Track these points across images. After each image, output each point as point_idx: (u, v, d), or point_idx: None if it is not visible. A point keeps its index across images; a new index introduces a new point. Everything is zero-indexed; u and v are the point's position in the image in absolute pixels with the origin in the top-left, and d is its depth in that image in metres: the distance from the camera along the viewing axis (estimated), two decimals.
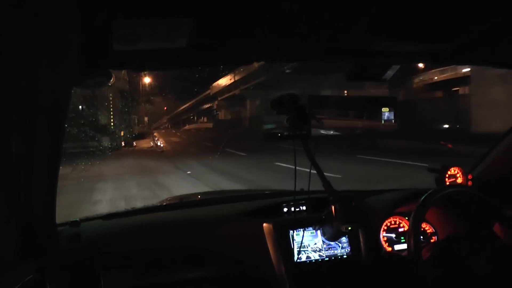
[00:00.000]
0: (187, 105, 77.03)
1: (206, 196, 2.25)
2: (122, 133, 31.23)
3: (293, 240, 1.77)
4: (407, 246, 1.52)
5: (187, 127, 75.24)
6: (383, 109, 1.59)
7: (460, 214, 1.79)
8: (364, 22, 1.13)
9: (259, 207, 1.97)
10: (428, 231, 1.92)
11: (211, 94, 55.34)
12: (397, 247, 1.86)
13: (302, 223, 1.81)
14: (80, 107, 22.51)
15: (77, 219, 1.73)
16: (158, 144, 29.06)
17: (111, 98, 29.90)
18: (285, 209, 1.90)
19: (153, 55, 1.23)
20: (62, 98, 1.15)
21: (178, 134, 52.80)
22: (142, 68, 1.53)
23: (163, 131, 69.51)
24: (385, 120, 1.59)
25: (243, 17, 1.05)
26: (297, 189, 1.98)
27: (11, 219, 1.15)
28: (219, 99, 52.66)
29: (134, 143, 29.73)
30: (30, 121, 1.09)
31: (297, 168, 1.51)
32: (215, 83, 51.56)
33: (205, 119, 76.67)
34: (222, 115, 58.03)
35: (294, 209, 1.91)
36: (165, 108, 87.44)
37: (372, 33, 1.21)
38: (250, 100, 42.37)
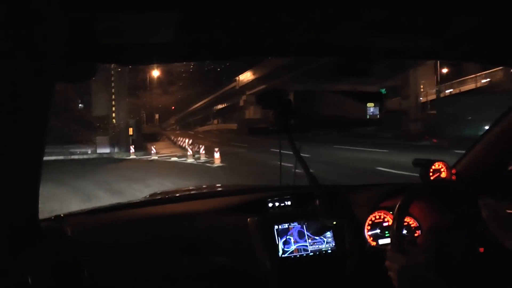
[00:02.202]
0: (202, 102, 69.37)
1: (191, 191, 2.23)
2: (131, 131, 19.67)
3: (278, 235, 1.77)
4: (390, 240, 1.53)
5: (204, 128, 66.88)
6: (368, 104, 1.59)
7: (444, 208, 1.81)
8: (350, 17, 1.12)
9: (244, 202, 1.96)
10: (412, 225, 1.94)
11: (237, 87, 46.91)
12: (382, 241, 1.87)
13: (287, 218, 1.81)
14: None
15: (61, 215, 1.71)
16: (200, 151, 17.49)
17: (112, 74, 19.22)
18: (270, 204, 1.90)
19: (139, 49, 1.21)
20: (46, 93, 1.13)
21: (201, 136, 41.68)
22: (128, 62, 1.51)
23: (178, 131, 60.98)
24: (370, 115, 1.59)
25: (230, 12, 1.04)
26: (283, 184, 1.97)
27: None
28: (247, 93, 43.90)
29: (152, 148, 18.84)
30: (12, 116, 1.06)
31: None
32: (243, 75, 44.43)
33: (216, 121, 69.45)
34: (250, 113, 46.26)
35: (279, 204, 1.91)
36: (173, 107, 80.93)
37: (358, 29, 1.20)
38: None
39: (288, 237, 1.77)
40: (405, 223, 1.85)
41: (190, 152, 17.42)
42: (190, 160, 16.67)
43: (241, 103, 49.15)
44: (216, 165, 14.72)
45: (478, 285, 1.43)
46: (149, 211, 1.96)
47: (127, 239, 1.68)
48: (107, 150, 17.94)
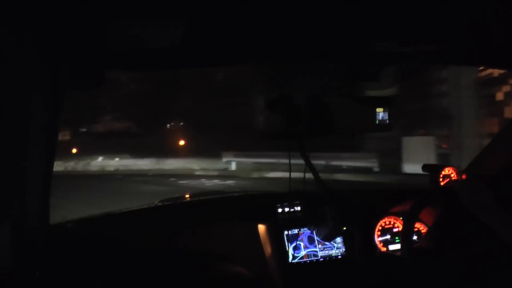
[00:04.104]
0: None
1: (199, 197, 2.24)
2: None
3: (288, 240, 1.76)
4: (400, 246, 1.52)
5: None
6: (378, 110, 1.59)
7: (454, 214, 1.79)
8: (358, 22, 1.13)
9: (254, 208, 1.96)
10: (422, 231, 1.92)
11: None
12: (392, 247, 1.86)
13: (297, 223, 1.80)
14: None
15: (70, 221, 1.72)
16: None
17: None
18: (280, 210, 1.90)
19: (147, 55, 1.23)
20: (55, 99, 1.14)
21: None
22: (135, 68, 1.52)
23: None
24: (379, 121, 1.59)
25: (238, 18, 1.05)
26: (292, 189, 1.97)
27: (4, 222, 1.14)
28: None
29: None
30: (22, 122, 1.08)
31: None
32: None
33: None
34: None
35: (289, 209, 1.91)
36: None
37: (365, 34, 1.21)
38: None
39: (298, 242, 1.77)
40: (415, 229, 1.84)
41: None
42: None
43: None
44: None
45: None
46: (159, 217, 1.97)
47: (137, 245, 1.69)
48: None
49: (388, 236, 1.87)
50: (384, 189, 2.19)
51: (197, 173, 15.75)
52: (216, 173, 15.70)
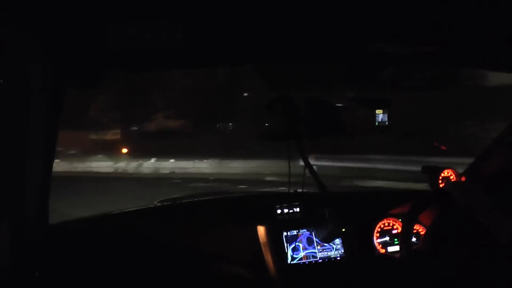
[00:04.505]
0: None
1: (199, 198, 2.24)
2: None
3: (286, 241, 1.76)
4: (399, 248, 1.52)
5: None
6: (377, 111, 1.59)
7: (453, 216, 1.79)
8: (357, 24, 1.13)
9: (253, 209, 1.96)
10: (421, 232, 1.92)
11: None
12: (391, 249, 1.86)
13: (296, 224, 1.80)
14: None
15: (70, 221, 1.72)
16: None
17: None
18: (279, 211, 1.90)
19: (147, 55, 1.23)
20: (56, 99, 1.15)
21: None
22: (135, 68, 1.53)
23: None
24: (379, 122, 1.60)
25: (237, 19, 1.05)
26: (291, 190, 1.97)
27: (3, 222, 1.14)
28: None
29: None
30: (23, 122, 1.08)
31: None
32: None
33: None
34: None
35: (288, 210, 1.91)
36: None
37: (365, 35, 1.21)
38: None
39: (297, 243, 1.77)
40: (414, 231, 1.84)
41: None
42: None
43: None
44: None
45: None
46: (158, 218, 1.96)
47: (135, 245, 1.69)
48: None
49: (387, 238, 1.87)
50: (383, 191, 2.19)
51: (267, 178, 12.80)
52: (292, 179, 11.92)
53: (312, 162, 1.64)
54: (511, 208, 1.41)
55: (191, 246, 1.73)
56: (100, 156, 14.74)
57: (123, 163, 15.32)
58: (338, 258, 1.79)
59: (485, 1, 1.03)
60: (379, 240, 1.85)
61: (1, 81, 0.97)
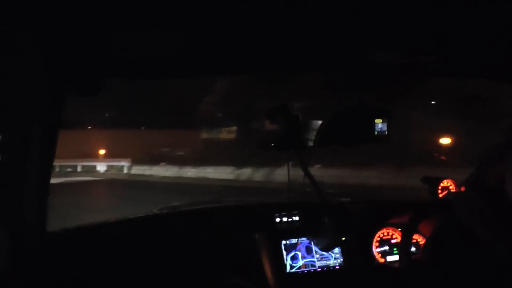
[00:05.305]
0: None
1: (198, 206, 2.23)
2: None
3: (285, 250, 1.76)
4: (399, 257, 1.52)
5: None
6: (376, 121, 1.59)
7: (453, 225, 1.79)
8: (357, 33, 1.14)
9: (252, 217, 1.96)
10: (420, 242, 1.92)
11: None
12: (390, 258, 1.86)
13: (295, 233, 1.80)
14: None
15: (68, 228, 1.71)
16: None
17: None
18: (278, 219, 1.89)
19: (147, 63, 1.24)
20: (56, 104, 1.15)
21: None
22: (135, 76, 1.53)
23: None
24: (378, 132, 1.60)
25: (238, 29, 1.06)
26: (290, 199, 1.97)
27: (1, 228, 1.14)
28: None
29: None
30: (22, 127, 1.08)
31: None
32: None
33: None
34: None
35: (287, 219, 1.90)
36: None
37: (365, 45, 1.22)
38: None
39: (295, 252, 1.76)
40: (414, 241, 1.84)
41: None
42: None
43: None
44: None
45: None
46: (156, 226, 1.96)
47: (133, 253, 1.68)
48: None
49: (386, 247, 1.86)
50: (383, 200, 2.19)
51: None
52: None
53: (312, 171, 1.64)
54: (511, 220, 1.41)
55: (188, 254, 1.72)
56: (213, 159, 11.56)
57: (249, 169, 11.66)
58: (337, 267, 1.79)
59: (486, 12, 1.04)
60: (378, 250, 1.85)
61: (2, 83, 0.97)
